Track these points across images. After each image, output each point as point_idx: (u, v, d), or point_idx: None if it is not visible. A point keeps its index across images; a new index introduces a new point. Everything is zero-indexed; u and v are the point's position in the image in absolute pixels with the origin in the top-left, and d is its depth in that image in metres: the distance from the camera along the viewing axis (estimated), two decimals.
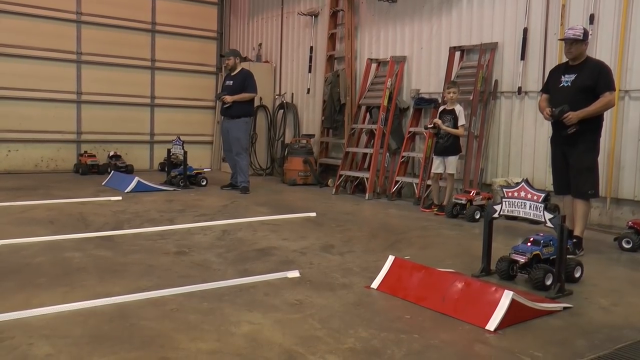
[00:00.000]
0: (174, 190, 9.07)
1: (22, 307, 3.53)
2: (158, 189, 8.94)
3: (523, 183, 4.37)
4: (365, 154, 9.60)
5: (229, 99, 8.99)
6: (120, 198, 8.06)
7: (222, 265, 4.72)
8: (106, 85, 11.94)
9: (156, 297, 3.82)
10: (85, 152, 11.43)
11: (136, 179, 8.86)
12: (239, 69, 9.29)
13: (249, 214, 7.17)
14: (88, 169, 10.99)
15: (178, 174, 9.47)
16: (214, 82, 13.17)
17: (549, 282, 4.18)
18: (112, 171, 10.15)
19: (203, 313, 3.54)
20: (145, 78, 12.54)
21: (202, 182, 9.64)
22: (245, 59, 11.56)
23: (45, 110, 11.43)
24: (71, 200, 7.81)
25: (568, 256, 4.36)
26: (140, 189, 8.70)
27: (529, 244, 4.47)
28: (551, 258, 4.41)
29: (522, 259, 4.36)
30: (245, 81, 9.11)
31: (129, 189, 8.64)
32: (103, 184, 9.45)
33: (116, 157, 11.38)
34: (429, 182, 8.15)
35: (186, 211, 7.29)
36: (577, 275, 4.46)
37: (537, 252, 4.36)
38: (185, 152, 9.36)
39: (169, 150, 9.72)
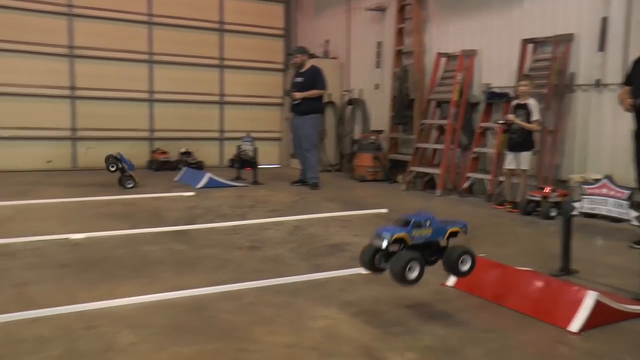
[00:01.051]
0: (245, 186, 9.19)
1: (106, 297, 3.65)
2: (229, 185, 9.08)
3: (605, 179, 4.20)
4: (435, 150, 9.48)
5: (298, 95, 9.05)
6: (192, 193, 8.24)
7: (295, 260, 4.75)
8: (177, 84, 12.26)
9: (232, 290, 3.87)
10: (158, 149, 11.76)
11: (208, 175, 9.03)
12: (308, 66, 9.33)
13: (319, 209, 7.19)
14: (160, 165, 11.29)
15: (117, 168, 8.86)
16: (282, 79, 13.28)
17: (413, 275, 3.19)
18: (185, 167, 10.37)
19: (278, 307, 3.57)
20: (214, 76, 12.79)
21: (129, 184, 8.79)
22: (312, 56, 11.60)
23: (120, 109, 11.85)
24: (145, 196, 8.03)
25: (452, 245, 3.45)
26: (211, 184, 8.86)
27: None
28: (427, 243, 3.37)
29: (380, 243, 3.24)
30: (315, 77, 9.14)
31: (200, 185, 8.82)
32: (175, 179, 9.68)
33: (187, 153, 11.65)
34: (501, 178, 7.98)
35: (257, 207, 7.37)
36: (465, 268, 3.41)
37: (402, 234, 3.25)
38: (255, 149, 9.48)
39: (238, 147, 9.85)
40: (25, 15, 10.94)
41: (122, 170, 8.75)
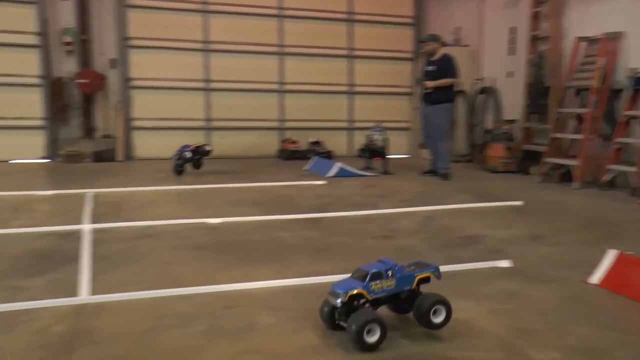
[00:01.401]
0: (374, 176, 9.19)
1: (244, 280, 3.79)
2: (359, 175, 9.12)
3: None
4: (573, 140, 8.99)
5: (430, 84, 8.91)
6: (323, 182, 8.37)
7: (428, 251, 4.69)
8: (306, 75, 12.47)
9: None
10: (288, 138, 12.05)
11: (338, 164, 9.13)
12: (440, 54, 9.15)
13: (450, 200, 7.03)
14: (290, 155, 11.57)
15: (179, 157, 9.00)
16: (411, 68, 13.13)
17: (372, 340, 2.78)
18: (316, 157, 10.54)
19: None
20: (343, 66, 12.88)
21: (207, 147, 9.20)
22: (444, 44, 11.36)
23: (251, 100, 12.25)
24: (277, 184, 8.26)
25: (425, 292, 3.09)
26: (341, 174, 8.94)
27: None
28: (391, 296, 3.03)
29: (335, 302, 2.93)
30: (447, 66, 8.94)
31: (330, 174, 8.92)
32: (305, 168, 9.87)
33: (316, 143, 11.84)
34: None
35: (387, 196, 7.35)
36: (438, 320, 2.98)
37: (359, 290, 2.92)
38: (385, 139, 9.47)
39: (368, 137, 9.86)
40: (165, 14, 11.58)
41: (194, 152, 9.03)
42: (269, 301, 3.45)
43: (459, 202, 6.93)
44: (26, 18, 10.89)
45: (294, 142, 11.87)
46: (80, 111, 11.47)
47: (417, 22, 13.33)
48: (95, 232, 5.15)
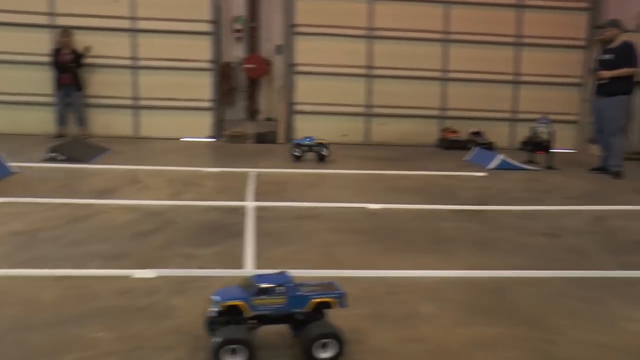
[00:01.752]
0: (538, 170, 8.76)
1: (405, 267, 3.79)
2: (521, 168, 8.72)
3: None
4: None
5: (606, 74, 8.29)
6: (483, 174, 8.12)
7: (599, 254, 4.39)
8: (470, 63, 12.09)
9: (532, 276, 3.73)
10: (449, 127, 11.83)
11: (500, 156, 8.79)
12: (619, 41, 8.47)
13: (623, 201, 6.53)
14: (450, 144, 11.35)
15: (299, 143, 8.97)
16: (583, 56, 12.33)
17: None
18: (477, 147, 10.25)
19: (584, 301, 3.33)
20: (509, 54, 12.37)
21: (323, 150, 8.89)
22: (624, 30, 10.52)
23: (412, 87, 12.11)
24: (437, 173, 8.14)
25: (319, 320, 2.63)
26: (503, 166, 8.60)
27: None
28: (282, 316, 2.62)
29: (212, 311, 2.57)
30: (626, 54, 8.22)
31: (491, 166, 8.63)
32: (465, 159, 9.63)
33: (477, 133, 11.52)
34: None
35: (552, 192, 6.99)
36: (322, 356, 2.49)
37: (238, 302, 2.54)
38: (552, 132, 9.01)
39: (532, 129, 9.42)
40: (330, 1, 11.74)
41: (309, 147, 8.97)
42: (430, 291, 3.41)
43: (633, 203, 6.42)
44: (202, 7, 11.58)
45: (454, 132, 11.64)
46: (245, 94, 12.03)
47: (594, 6, 12.45)
48: (258, 209, 5.37)
